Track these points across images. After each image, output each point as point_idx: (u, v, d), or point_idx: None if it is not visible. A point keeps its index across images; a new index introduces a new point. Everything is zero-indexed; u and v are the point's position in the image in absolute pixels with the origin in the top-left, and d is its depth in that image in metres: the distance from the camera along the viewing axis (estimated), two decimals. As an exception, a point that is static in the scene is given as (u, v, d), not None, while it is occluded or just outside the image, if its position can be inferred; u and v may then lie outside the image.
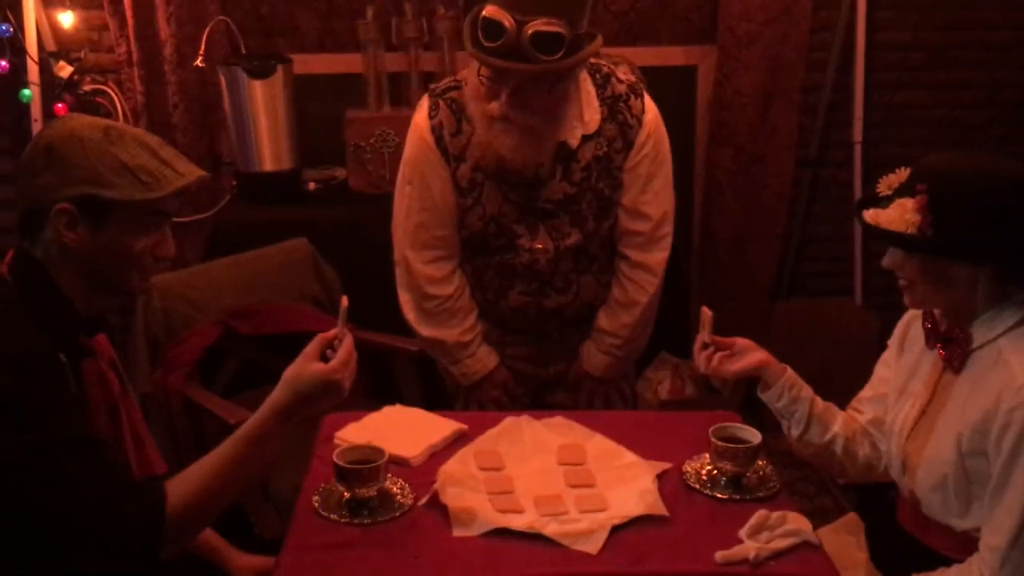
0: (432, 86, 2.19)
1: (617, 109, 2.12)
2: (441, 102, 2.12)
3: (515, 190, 2.11)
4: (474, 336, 2.25)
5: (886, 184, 1.60)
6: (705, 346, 1.79)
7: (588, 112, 2.10)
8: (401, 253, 2.22)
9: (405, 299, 2.26)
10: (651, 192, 2.17)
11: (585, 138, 2.09)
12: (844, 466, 1.82)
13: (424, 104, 2.15)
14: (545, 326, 2.27)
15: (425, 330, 2.25)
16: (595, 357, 2.29)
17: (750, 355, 1.77)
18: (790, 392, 1.76)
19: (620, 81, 2.14)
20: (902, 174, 1.59)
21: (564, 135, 2.07)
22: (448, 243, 2.19)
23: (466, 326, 2.24)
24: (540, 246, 2.15)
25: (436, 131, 2.11)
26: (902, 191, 1.55)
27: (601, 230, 2.18)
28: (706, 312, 1.79)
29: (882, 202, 1.58)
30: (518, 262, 2.17)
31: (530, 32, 1.86)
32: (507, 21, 1.87)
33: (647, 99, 2.16)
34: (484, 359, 2.27)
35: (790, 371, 1.78)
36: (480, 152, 2.06)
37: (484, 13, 1.91)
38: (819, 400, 1.81)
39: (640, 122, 2.13)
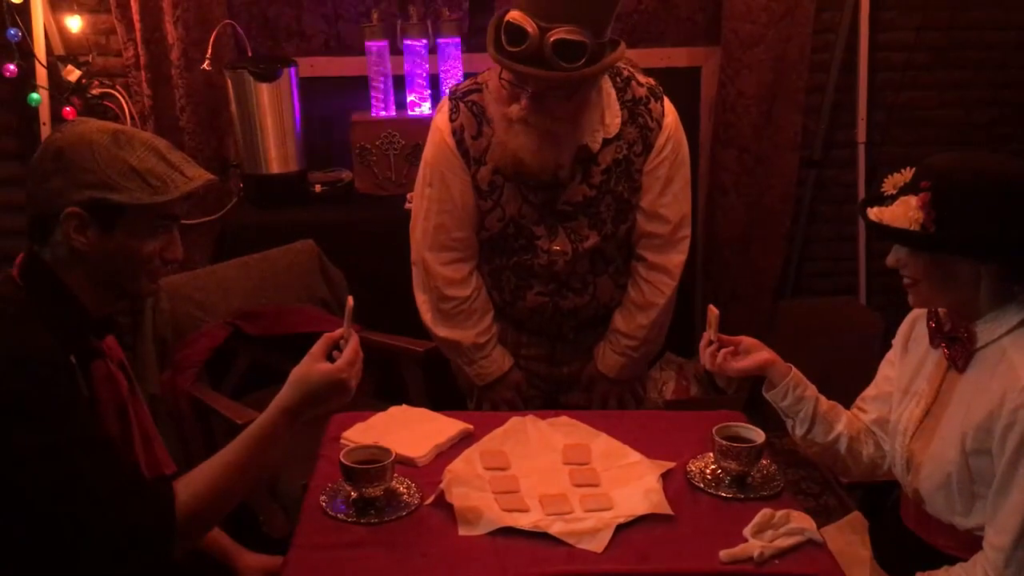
0: (452, 88, 2.20)
1: (637, 112, 2.12)
2: (462, 104, 2.12)
3: (535, 192, 2.12)
4: (490, 338, 2.26)
5: (891, 183, 1.61)
6: (711, 343, 1.79)
7: (609, 115, 2.10)
8: (419, 254, 2.22)
9: (422, 300, 2.27)
10: (670, 195, 2.18)
11: (606, 141, 2.10)
12: (848, 465, 1.83)
13: (445, 106, 2.15)
14: (561, 327, 2.29)
15: (441, 331, 2.26)
16: (610, 358, 2.30)
17: (756, 353, 1.77)
18: (795, 391, 1.77)
19: (640, 84, 2.15)
20: (907, 174, 1.59)
21: (585, 139, 2.08)
22: (467, 245, 2.20)
23: (482, 328, 2.25)
24: (558, 248, 2.16)
25: (457, 133, 2.11)
26: (906, 189, 1.56)
27: (619, 232, 2.19)
28: (712, 310, 1.80)
29: (886, 201, 1.59)
30: (536, 263, 2.18)
31: (552, 40, 1.86)
32: (530, 27, 1.87)
33: (667, 102, 2.17)
34: (499, 360, 2.28)
35: (795, 370, 1.79)
36: (498, 153, 2.06)
37: (508, 18, 1.91)
38: (823, 399, 1.81)
39: (660, 125, 2.14)
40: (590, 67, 1.91)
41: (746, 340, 1.80)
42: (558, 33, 1.87)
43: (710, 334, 1.79)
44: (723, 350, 1.78)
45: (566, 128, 2.03)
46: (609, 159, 2.12)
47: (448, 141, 2.12)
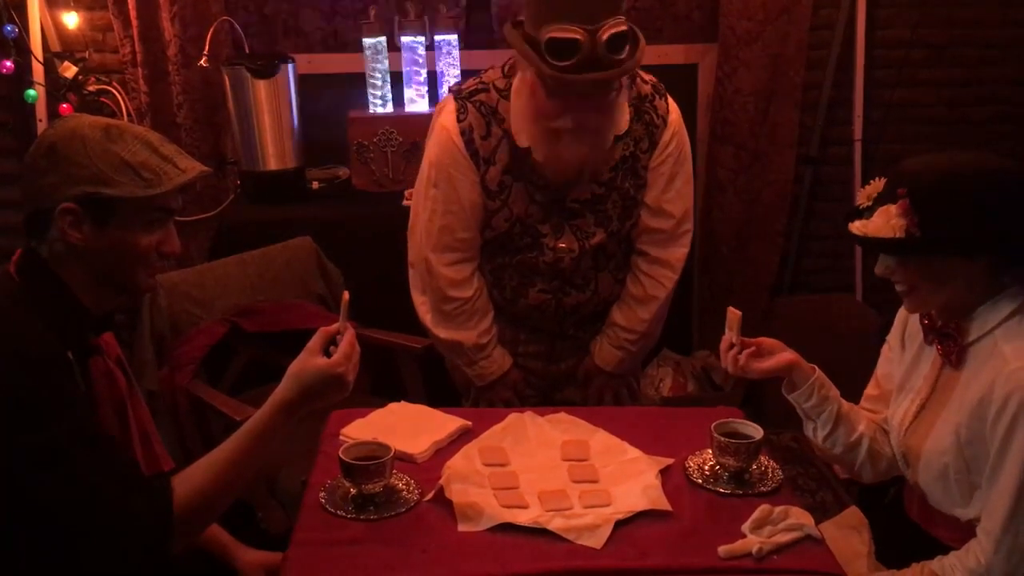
0: (455, 88, 2.16)
1: (643, 109, 2.12)
2: (469, 105, 2.09)
3: (542, 191, 2.11)
4: (491, 338, 2.26)
5: (865, 195, 1.61)
6: (732, 346, 1.75)
7: (619, 113, 2.09)
8: (422, 255, 2.19)
9: (421, 301, 2.25)
10: (673, 190, 2.19)
11: (616, 138, 2.10)
12: (866, 469, 1.80)
13: (451, 107, 2.12)
14: (561, 323, 2.29)
15: (443, 332, 2.24)
16: (607, 352, 2.30)
17: (779, 354, 1.74)
18: (820, 391, 1.74)
19: (645, 82, 2.15)
20: (878, 183, 1.60)
21: None
22: (470, 245, 2.18)
23: (483, 328, 2.24)
24: (564, 245, 2.16)
25: (466, 134, 2.09)
26: (882, 199, 1.56)
27: (624, 229, 2.20)
28: (734, 312, 1.76)
29: (864, 213, 1.59)
30: (542, 261, 2.17)
31: (605, 37, 1.84)
32: (579, 35, 1.84)
33: (670, 99, 2.18)
34: (499, 360, 2.28)
35: (819, 371, 1.75)
36: (551, 167, 2.05)
37: (549, 35, 1.85)
38: (844, 400, 1.79)
39: (665, 122, 2.14)
40: (634, 52, 1.91)
41: (767, 341, 1.76)
42: (608, 29, 1.85)
43: (731, 337, 1.75)
44: (745, 352, 1.74)
45: (609, 122, 2.02)
46: (617, 156, 2.11)
47: (456, 141, 2.09)
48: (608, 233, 2.17)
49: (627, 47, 1.90)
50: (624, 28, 1.88)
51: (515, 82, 2.06)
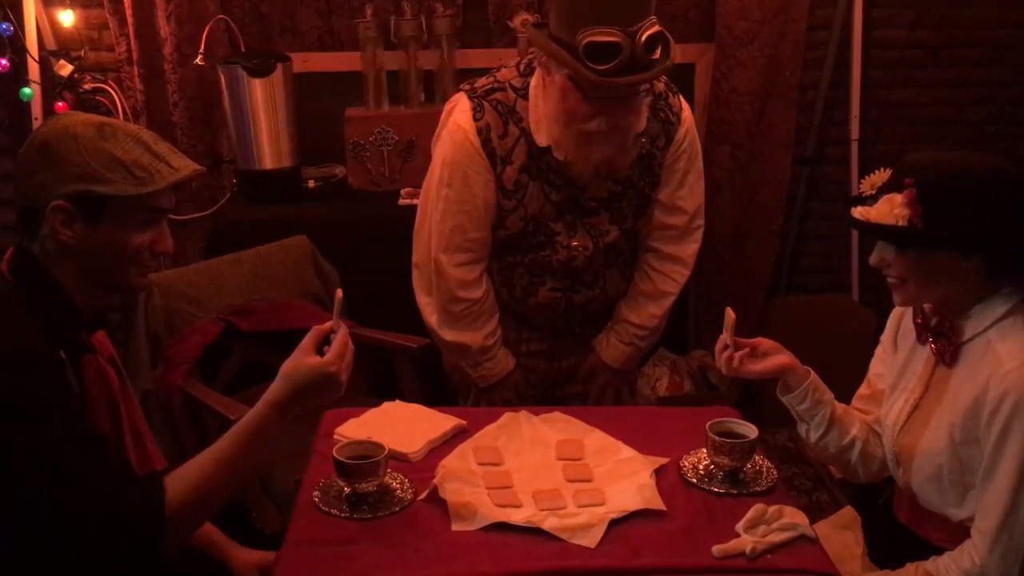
0: (468, 87, 2.13)
1: (659, 107, 2.13)
2: (486, 104, 2.07)
3: (559, 190, 2.11)
4: (496, 340, 2.25)
5: (869, 184, 1.62)
6: (727, 348, 1.75)
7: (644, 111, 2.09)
8: (431, 256, 2.16)
9: (426, 303, 2.23)
10: (687, 187, 2.20)
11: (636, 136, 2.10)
12: (857, 471, 1.81)
13: (465, 106, 2.08)
14: (568, 321, 2.29)
15: (449, 334, 2.22)
16: (616, 348, 2.30)
17: (775, 357, 1.74)
18: (813, 395, 1.74)
19: (659, 80, 2.14)
20: (883, 174, 1.61)
21: None
22: (482, 245, 2.17)
23: (489, 330, 2.23)
24: (577, 243, 2.16)
25: (483, 132, 2.06)
26: (887, 188, 1.57)
27: (636, 226, 2.21)
28: (729, 314, 1.75)
29: (867, 201, 1.59)
30: (555, 259, 2.17)
31: (644, 39, 1.84)
32: (619, 38, 1.83)
33: (680, 96, 2.18)
34: (503, 362, 2.27)
35: (813, 374, 1.75)
36: (579, 168, 2.04)
37: (588, 40, 1.83)
38: (838, 403, 1.79)
39: (679, 119, 2.15)
40: (668, 50, 1.91)
41: (764, 343, 1.75)
42: (645, 31, 1.85)
43: (726, 338, 1.74)
44: (739, 353, 1.74)
45: (638, 121, 2.03)
46: (634, 154, 2.11)
47: (473, 140, 2.07)
48: (622, 231, 2.18)
49: (659, 46, 1.90)
50: (658, 28, 1.88)
51: (533, 81, 2.05)
